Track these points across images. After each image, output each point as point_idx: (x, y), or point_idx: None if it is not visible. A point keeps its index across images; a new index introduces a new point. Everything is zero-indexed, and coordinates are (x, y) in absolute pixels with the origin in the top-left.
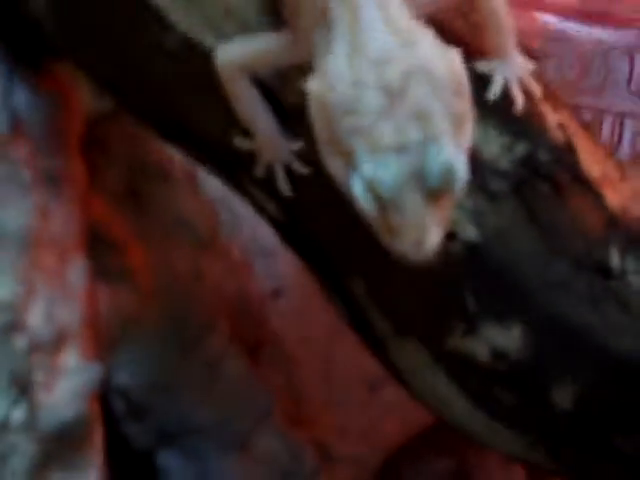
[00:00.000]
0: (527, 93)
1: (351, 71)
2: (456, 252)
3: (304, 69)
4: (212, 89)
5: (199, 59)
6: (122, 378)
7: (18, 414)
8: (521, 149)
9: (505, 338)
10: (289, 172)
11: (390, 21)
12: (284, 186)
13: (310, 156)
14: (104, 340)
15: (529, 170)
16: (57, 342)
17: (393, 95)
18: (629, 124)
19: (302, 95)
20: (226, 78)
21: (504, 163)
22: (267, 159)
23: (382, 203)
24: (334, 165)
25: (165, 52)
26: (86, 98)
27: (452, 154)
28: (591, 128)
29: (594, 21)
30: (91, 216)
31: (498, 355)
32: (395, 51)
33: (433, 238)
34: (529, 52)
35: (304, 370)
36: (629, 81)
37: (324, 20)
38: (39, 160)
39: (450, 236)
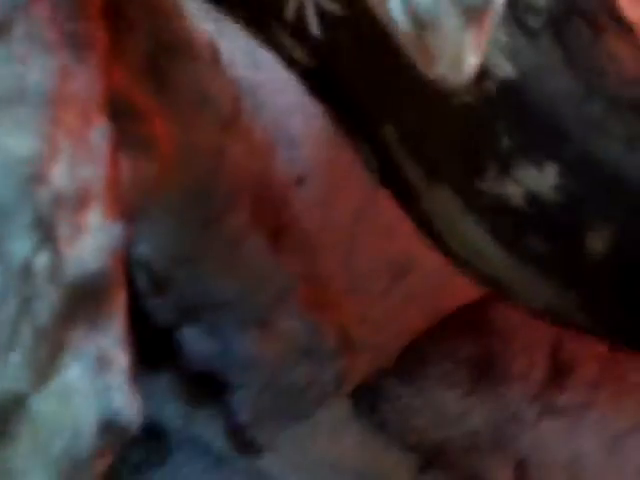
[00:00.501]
0: None
1: None
2: (491, 90)
3: None
4: None
5: None
6: (143, 249)
7: (42, 259)
8: None
9: (539, 179)
10: (320, 12)
11: None
12: (315, 27)
13: None
14: (126, 208)
15: (566, 6)
16: (81, 200)
17: None
18: None
19: None
20: None
21: None
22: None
23: (419, 22)
24: None
25: None
26: None
27: None
28: None
29: None
30: (113, 85)
31: (532, 198)
32: None
33: (472, 60)
34: None
35: (326, 257)
36: None
37: None
38: (61, 22)
39: (485, 73)
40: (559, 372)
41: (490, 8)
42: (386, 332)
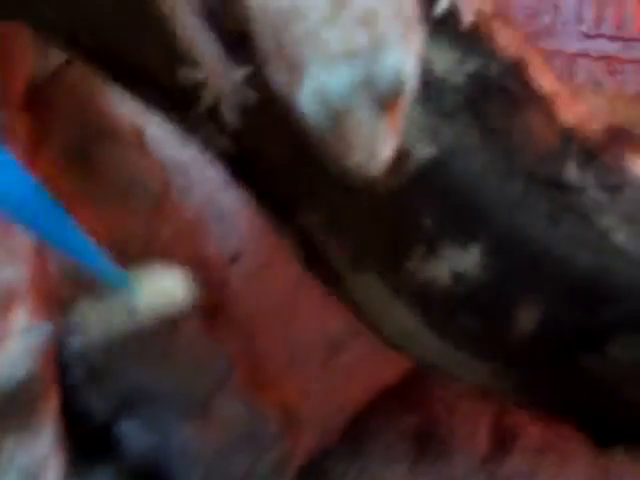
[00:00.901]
0: (476, 8)
1: None
2: (411, 171)
3: None
4: (155, 20)
5: None
6: (77, 341)
7: None
8: (472, 63)
9: (464, 259)
10: (237, 101)
11: None
12: (232, 116)
13: (258, 82)
14: (56, 304)
15: (481, 84)
16: (5, 304)
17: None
18: (581, 65)
19: (244, 19)
20: (166, 5)
21: (456, 78)
22: (214, 88)
23: (332, 114)
24: (282, 80)
25: None
26: (31, 58)
27: (401, 58)
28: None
29: None
30: (36, 176)
31: (458, 278)
32: None
33: (386, 149)
34: None
35: (264, 333)
36: (578, 22)
37: None
38: None
39: (405, 155)
40: (502, 440)
41: (402, 96)
42: (328, 407)
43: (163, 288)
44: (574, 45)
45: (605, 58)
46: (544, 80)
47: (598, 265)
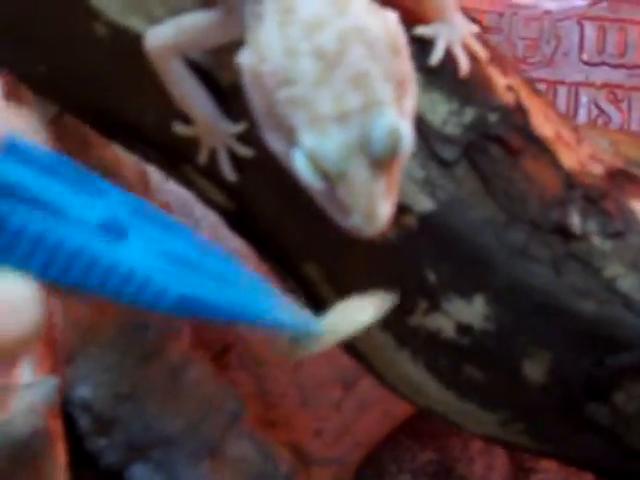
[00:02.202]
0: (472, 56)
1: (282, 39)
2: (411, 225)
3: (238, 47)
4: (147, 77)
5: (131, 45)
6: (84, 391)
7: None
8: (469, 113)
9: (468, 311)
10: (233, 156)
11: None
12: (229, 171)
13: (253, 137)
14: (62, 354)
15: (479, 134)
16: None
17: (329, 60)
18: (583, 94)
19: (238, 74)
20: (158, 61)
21: (452, 129)
22: (209, 144)
23: (327, 176)
24: (275, 141)
25: (96, 40)
26: (30, 104)
27: (395, 119)
28: (545, 95)
29: None
30: None
31: (463, 330)
32: (327, 14)
33: (384, 210)
34: (473, 19)
35: (275, 372)
36: (580, 51)
37: None
38: None
39: (404, 209)
40: (519, 474)
41: (399, 156)
42: (342, 444)
43: (349, 317)
44: (576, 74)
45: (608, 86)
46: (545, 125)
47: (604, 314)
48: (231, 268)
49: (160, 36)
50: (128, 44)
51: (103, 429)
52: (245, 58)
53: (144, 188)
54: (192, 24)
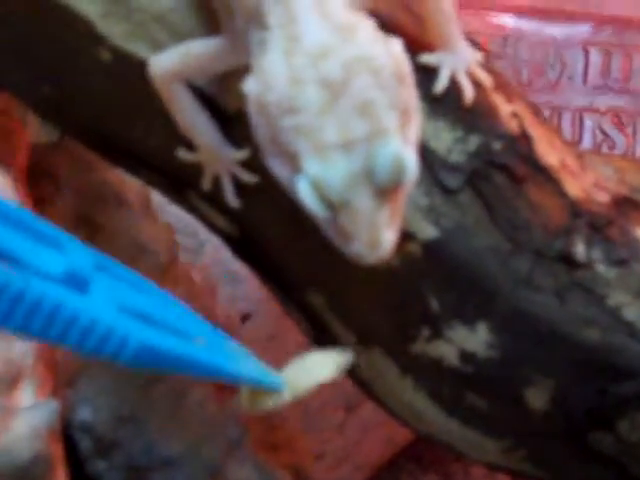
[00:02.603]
0: (476, 84)
1: (288, 68)
2: (415, 253)
3: (242, 73)
4: (150, 102)
5: (135, 71)
6: (85, 414)
7: None
8: (474, 141)
9: (472, 339)
10: (236, 182)
11: (326, 14)
12: (232, 198)
13: (257, 164)
14: (63, 376)
15: (483, 162)
16: (11, 381)
17: (334, 89)
18: (588, 119)
19: (242, 100)
20: (162, 88)
21: (457, 156)
22: (212, 170)
23: (331, 204)
24: (279, 168)
25: (100, 66)
26: (34, 129)
27: (400, 147)
28: (549, 122)
29: (546, 18)
30: None
31: (466, 358)
32: (332, 43)
33: (388, 237)
34: (478, 46)
35: None
36: (585, 76)
37: (258, 19)
38: None
39: (408, 237)
40: None
41: (402, 184)
42: (344, 468)
43: (309, 373)
44: (581, 99)
45: (613, 111)
46: (549, 152)
47: (608, 342)
48: (193, 323)
49: (164, 62)
50: (132, 69)
51: (104, 452)
52: (250, 86)
53: (146, 213)
54: (197, 51)
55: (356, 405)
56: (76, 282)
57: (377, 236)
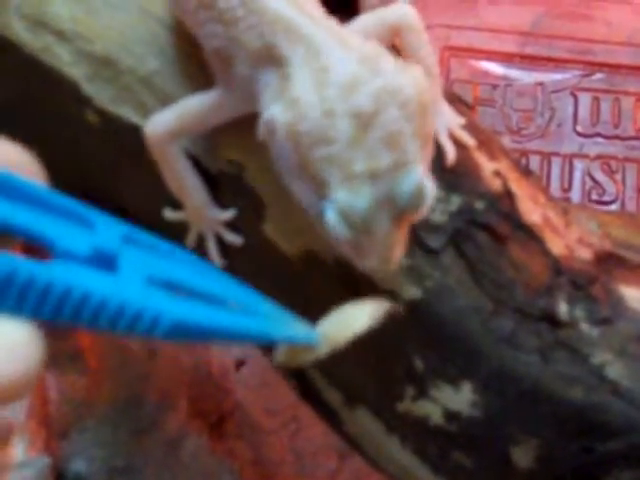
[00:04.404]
0: (459, 143)
1: (320, 99)
2: (398, 312)
3: (223, 133)
4: (136, 161)
5: (121, 133)
6: (79, 465)
7: None
8: (456, 201)
9: (456, 398)
10: (220, 242)
11: (346, 45)
12: (216, 256)
13: (241, 224)
14: (56, 428)
15: (465, 221)
16: (3, 438)
17: (364, 121)
18: (578, 165)
19: (229, 163)
20: (156, 148)
21: (439, 216)
22: (198, 229)
23: (355, 229)
24: (304, 193)
25: (87, 126)
26: None
27: (421, 177)
28: (534, 173)
29: (535, 64)
30: None
31: (451, 417)
32: (361, 74)
33: (398, 254)
34: (466, 105)
35: (271, 441)
36: (574, 122)
37: (272, 58)
38: None
39: (391, 297)
40: None
41: (419, 210)
42: None
43: (344, 326)
44: (570, 145)
45: (602, 158)
46: (533, 210)
47: (592, 401)
48: (224, 286)
49: (161, 122)
50: (119, 131)
51: None
52: (279, 114)
53: None
54: (193, 107)
55: (349, 452)
56: (104, 260)
57: (391, 254)
